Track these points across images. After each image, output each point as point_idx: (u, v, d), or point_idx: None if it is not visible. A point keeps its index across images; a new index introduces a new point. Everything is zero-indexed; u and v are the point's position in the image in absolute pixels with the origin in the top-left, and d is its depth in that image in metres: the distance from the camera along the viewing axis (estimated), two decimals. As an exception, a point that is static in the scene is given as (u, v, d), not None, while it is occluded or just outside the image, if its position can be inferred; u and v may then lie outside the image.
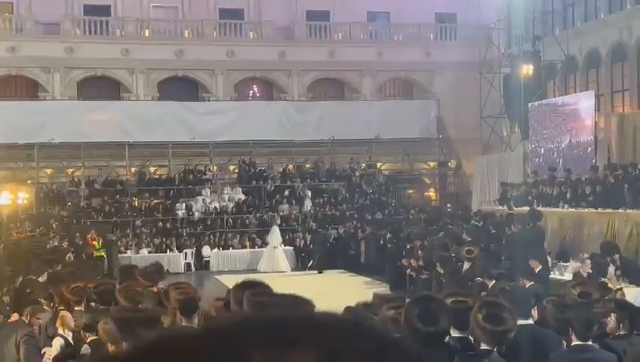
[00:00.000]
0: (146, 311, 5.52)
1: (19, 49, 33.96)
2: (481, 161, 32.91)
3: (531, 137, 29.26)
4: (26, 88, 35.80)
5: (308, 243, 29.49)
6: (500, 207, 25.63)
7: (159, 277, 9.92)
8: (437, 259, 13.85)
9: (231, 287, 5.36)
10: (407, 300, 5.29)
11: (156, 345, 0.76)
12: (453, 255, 13.86)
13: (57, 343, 7.87)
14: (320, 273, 26.98)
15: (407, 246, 20.17)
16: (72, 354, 7.13)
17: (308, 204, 32.85)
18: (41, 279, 11.72)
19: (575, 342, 5.80)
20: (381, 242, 25.88)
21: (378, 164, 37.01)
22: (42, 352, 8.26)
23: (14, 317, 8.85)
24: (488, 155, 33.25)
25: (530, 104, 29.70)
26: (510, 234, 18.50)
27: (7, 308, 10.40)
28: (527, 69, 30.75)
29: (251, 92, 38.29)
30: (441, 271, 12.95)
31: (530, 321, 6.57)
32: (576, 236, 21.08)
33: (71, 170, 34.51)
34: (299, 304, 3.49)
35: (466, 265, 11.92)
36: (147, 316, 5.39)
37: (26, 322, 8.39)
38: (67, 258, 18.59)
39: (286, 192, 33.47)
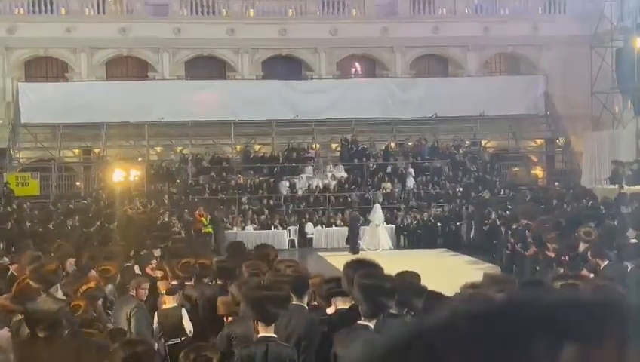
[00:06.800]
0: (277, 291, 5.70)
1: (129, 30, 35.03)
2: (591, 138, 31.74)
3: (646, 113, 28.01)
4: (137, 68, 36.98)
5: (408, 222, 29.28)
6: (612, 186, 24.70)
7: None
8: (548, 240, 13.44)
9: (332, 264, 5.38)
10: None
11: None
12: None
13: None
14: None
15: (514, 226, 19.69)
16: None
17: (410, 182, 32.62)
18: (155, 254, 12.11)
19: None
20: (486, 221, 25.40)
21: (483, 142, 36.30)
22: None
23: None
24: (599, 132, 32.03)
25: (644, 78, 28.40)
26: (623, 213, 17.79)
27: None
28: (641, 42, 29.38)
29: (354, 70, 38.20)
30: (552, 254, 12.53)
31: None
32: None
33: (179, 147, 35.49)
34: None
35: (582, 246, 11.51)
36: (279, 295, 5.56)
37: (134, 295, 8.61)
38: (177, 234, 19.13)
39: (388, 169, 33.32)
